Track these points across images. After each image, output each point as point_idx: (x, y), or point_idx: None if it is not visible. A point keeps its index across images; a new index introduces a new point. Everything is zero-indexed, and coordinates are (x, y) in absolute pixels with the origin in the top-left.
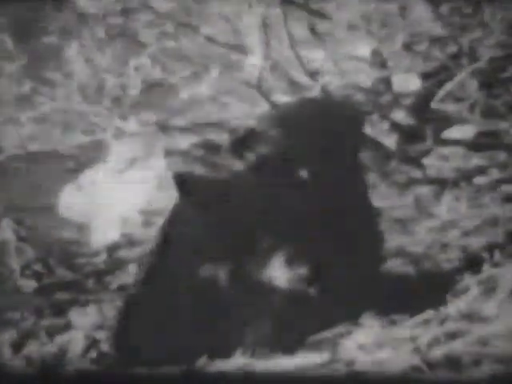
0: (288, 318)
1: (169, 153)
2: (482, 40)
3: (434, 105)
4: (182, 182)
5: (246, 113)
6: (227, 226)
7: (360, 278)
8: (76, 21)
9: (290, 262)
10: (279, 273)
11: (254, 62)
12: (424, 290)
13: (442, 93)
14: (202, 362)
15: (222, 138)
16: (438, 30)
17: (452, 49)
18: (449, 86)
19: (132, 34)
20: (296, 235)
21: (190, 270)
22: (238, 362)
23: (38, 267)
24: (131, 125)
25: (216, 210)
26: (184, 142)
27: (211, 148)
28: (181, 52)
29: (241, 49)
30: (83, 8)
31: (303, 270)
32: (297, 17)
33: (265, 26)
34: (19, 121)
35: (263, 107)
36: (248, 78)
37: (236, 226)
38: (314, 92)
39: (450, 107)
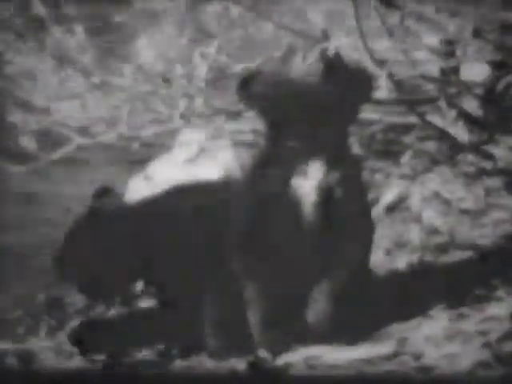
0: None
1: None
2: None
3: (504, 93)
4: None
5: None
6: None
7: None
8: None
9: None
10: None
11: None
12: (493, 283)
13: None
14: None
15: None
16: (510, 17)
17: None
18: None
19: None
20: None
21: None
22: (302, 353)
23: None
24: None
25: None
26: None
27: None
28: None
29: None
30: None
31: None
32: (366, 7)
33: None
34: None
35: None
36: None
37: None
38: (381, 81)
39: None
